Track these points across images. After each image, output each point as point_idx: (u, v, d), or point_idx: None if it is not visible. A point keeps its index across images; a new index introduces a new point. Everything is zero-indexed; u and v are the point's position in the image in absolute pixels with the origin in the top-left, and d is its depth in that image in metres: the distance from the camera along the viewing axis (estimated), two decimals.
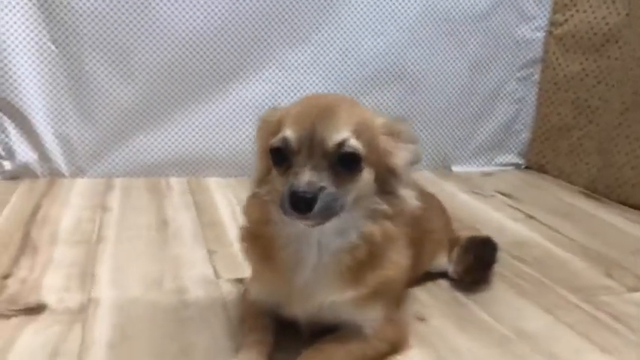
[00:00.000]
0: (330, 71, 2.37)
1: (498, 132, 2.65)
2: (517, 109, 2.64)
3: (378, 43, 2.38)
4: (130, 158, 2.26)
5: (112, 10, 2.09)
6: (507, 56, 2.56)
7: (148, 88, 2.21)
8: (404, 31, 2.39)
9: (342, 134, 0.95)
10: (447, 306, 1.36)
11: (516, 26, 2.52)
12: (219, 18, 2.19)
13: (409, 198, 1.06)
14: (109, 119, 2.21)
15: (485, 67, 2.55)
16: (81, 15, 2.07)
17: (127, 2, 2.09)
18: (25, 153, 2.16)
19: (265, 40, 2.27)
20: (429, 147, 2.54)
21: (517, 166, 2.70)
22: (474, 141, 2.64)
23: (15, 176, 2.16)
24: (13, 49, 2.05)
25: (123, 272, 1.47)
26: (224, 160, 2.33)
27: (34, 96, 2.12)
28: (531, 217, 2.03)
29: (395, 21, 2.38)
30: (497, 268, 1.51)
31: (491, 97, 2.60)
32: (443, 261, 1.47)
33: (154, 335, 1.18)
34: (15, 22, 2.04)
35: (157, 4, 2.13)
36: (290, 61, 2.32)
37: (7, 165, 2.15)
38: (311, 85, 2.36)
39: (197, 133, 2.30)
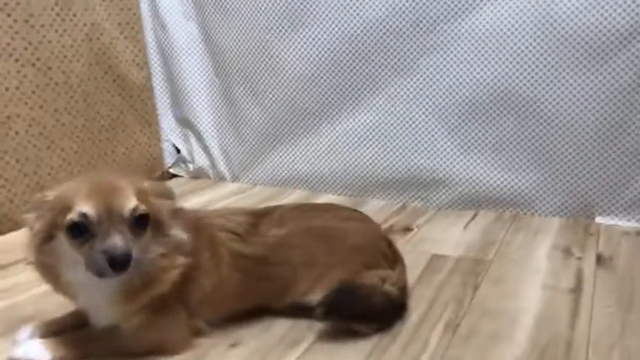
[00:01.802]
0: (437, 101, 2.28)
1: None
2: None
3: (490, 71, 2.16)
4: (268, 170, 2.69)
5: (249, 50, 2.56)
6: None
7: (277, 115, 2.59)
8: (522, 56, 2.09)
9: (132, 202, 1.19)
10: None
11: None
12: (332, 53, 2.39)
13: (177, 235, 1.29)
14: (252, 137, 2.68)
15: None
16: (229, 56, 2.61)
17: (256, 43, 2.53)
18: (201, 159, 2.84)
19: (373, 72, 2.35)
20: (562, 189, 2.17)
21: None
22: (629, 189, 2.10)
23: (196, 176, 2.87)
24: (191, 82, 2.72)
25: None
26: (336, 179, 2.54)
27: (204, 116, 2.76)
28: None
29: (511, 46, 2.10)
30: None
31: None
32: (311, 295, 1.43)
33: None
34: (193, 63, 2.71)
35: (278, 43, 2.49)
36: (396, 90, 2.34)
37: (191, 167, 2.87)
38: (417, 115, 2.32)
39: (315, 153, 2.56)
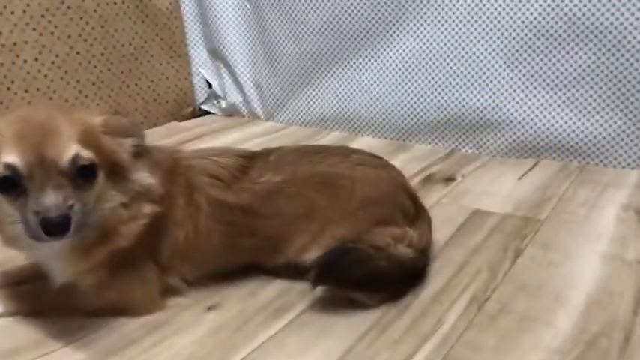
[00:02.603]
0: (494, 25, 1.90)
1: None
2: None
3: None
4: (303, 108, 2.42)
5: None
6: None
7: (313, 45, 2.28)
8: None
9: (73, 149, 0.96)
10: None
11: None
12: None
13: (142, 179, 1.08)
14: (287, 72, 2.40)
15: None
16: None
17: None
18: (233, 95, 2.60)
19: None
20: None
21: None
22: None
23: (229, 113, 2.65)
24: (222, 9, 2.45)
25: None
26: (377, 119, 2.24)
27: (236, 47, 2.50)
28: None
29: None
30: None
31: None
32: (307, 254, 1.20)
33: None
34: None
35: None
36: (447, 12, 1.97)
37: (223, 104, 2.65)
38: (470, 42, 1.95)
39: (354, 89, 2.26)
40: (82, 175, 0.97)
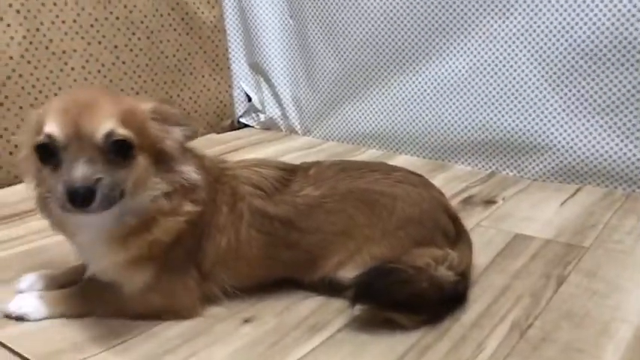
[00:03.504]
0: (539, 46, 1.87)
1: None
2: None
3: (608, 10, 1.71)
4: (341, 124, 2.42)
5: None
6: None
7: (354, 62, 2.29)
8: None
9: (108, 125, 0.98)
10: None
11: None
12: None
13: (188, 172, 1.10)
14: (326, 88, 2.41)
15: None
16: None
17: None
18: (272, 109, 2.62)
19: (468, 8, 1.98)
20: None
21: None
22: None
23: (267, 127, 2.66)
24: (264, 23, 2.48)
25: None
26: (416, 137, 2.22)
27: (277, 62, 2.52)
28: None
29: None
30: None
31: None
32: (343, 271, 1.19)
33: None
34: (267, 2, 2.46)
35: None
36: (491, 32, 1.95)
37: (262, 117, 2.66)
38: (514, 63, 1.93)
39: (394, 106, 2.25)
40: (116, 151, 0.99)
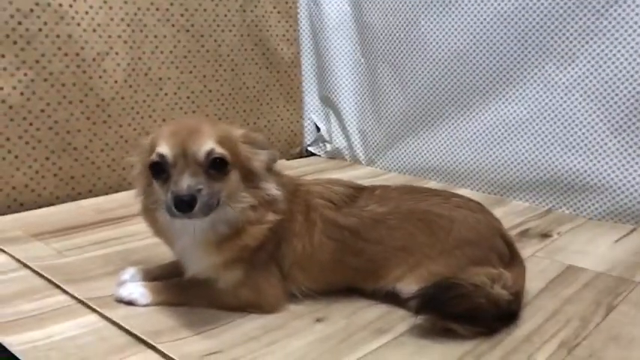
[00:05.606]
0: (600, 93, 1.98)
1: None
2: None
3: None
4: (404, 157, 2.57)
5: (397, 30, 2.45)
6: None
7: (419, 100, 2.45)
8: None
9: (209, 145, 1.18)
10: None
11: None
12: (484, 34, 2.20)
13: (270, 189, 1.28)
14: (391, 122, 2.57)
15: None
16: (377, 35, 2.52)
17: (405, 22, 2.41)
18: (339, 140, 2.80)
19: (529, 56, 2.11)
20: None
21: None
22: None
23: (332, 156, 2.84)
24: (337, 61, 2.69)
25: None
26: (476, 173, 2.34)
27: (346, 97, 2.71)
28: None
29: None
30: None
31: None
32: (402, 284, 1.32)
33: None
34: (341, 42, 2.67)
35: (425, 24, 2.35)
36: (553, 78, 2.07)
37: (329, 147, 2.85)
38: (576, 108, 2.04)
39: (456, 143, 2.38)
40: (214, 166, 1.18)
